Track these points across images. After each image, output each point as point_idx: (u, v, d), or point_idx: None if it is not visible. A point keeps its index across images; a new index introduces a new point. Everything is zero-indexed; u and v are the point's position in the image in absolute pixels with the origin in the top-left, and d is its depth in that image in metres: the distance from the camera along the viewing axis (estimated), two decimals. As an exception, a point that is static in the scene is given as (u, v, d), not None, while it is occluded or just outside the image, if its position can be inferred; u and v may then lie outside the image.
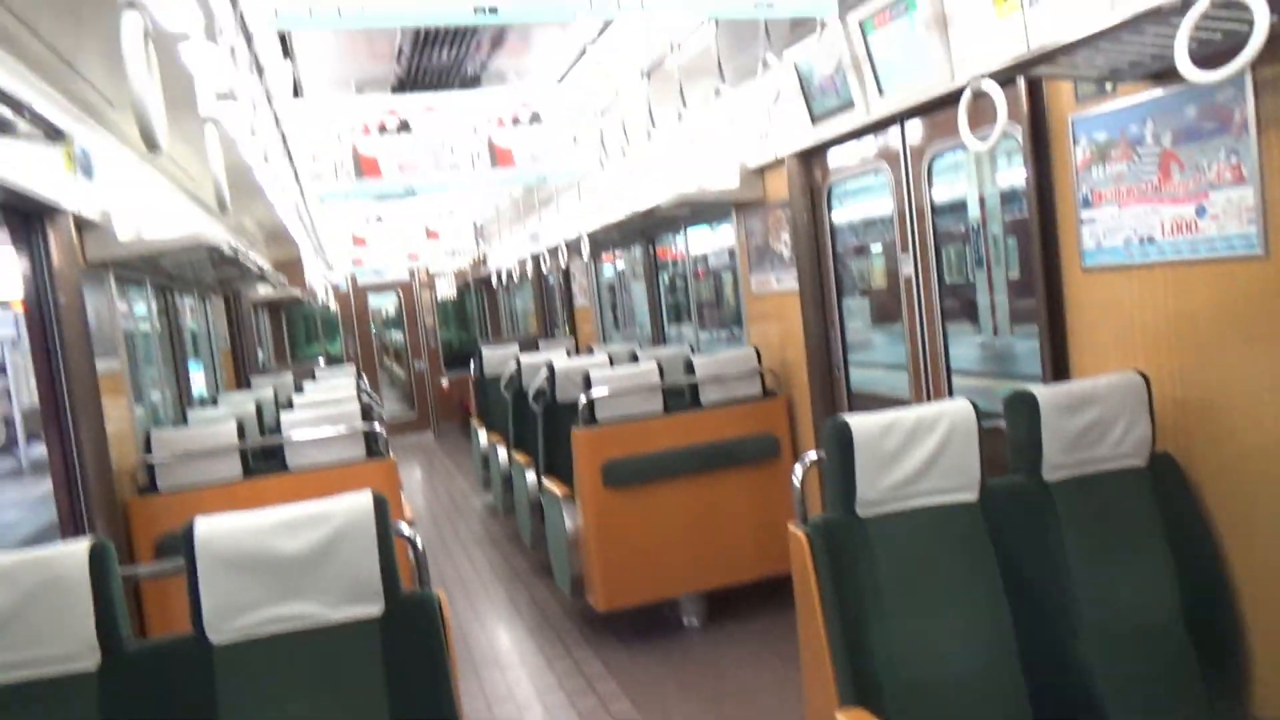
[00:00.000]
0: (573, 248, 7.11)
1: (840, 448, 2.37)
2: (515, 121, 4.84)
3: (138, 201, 5.23)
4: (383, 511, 2.12)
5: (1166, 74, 2.44)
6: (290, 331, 14.42)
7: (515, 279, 10.43)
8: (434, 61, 4.67)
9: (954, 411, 2.45)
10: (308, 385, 7.04)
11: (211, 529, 2.04)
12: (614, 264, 9.01)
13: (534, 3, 2.18)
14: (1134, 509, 2.50)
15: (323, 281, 10.99)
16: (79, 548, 1.98)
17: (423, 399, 14.39)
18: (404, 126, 4.71)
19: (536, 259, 8.37)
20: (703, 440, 4.81)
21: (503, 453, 7.19)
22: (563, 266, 8.52)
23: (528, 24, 4.26)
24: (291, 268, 11.24)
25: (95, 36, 3.28)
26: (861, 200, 4.86)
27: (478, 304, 15.38)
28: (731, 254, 6.07)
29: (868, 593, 2.34)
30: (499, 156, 4.83)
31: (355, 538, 2.09)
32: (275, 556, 2.05)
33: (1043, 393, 2.50)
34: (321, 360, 12.53)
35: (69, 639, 1.94)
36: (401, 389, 15.33)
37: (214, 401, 6.59)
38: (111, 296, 4.72)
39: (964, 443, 2.43)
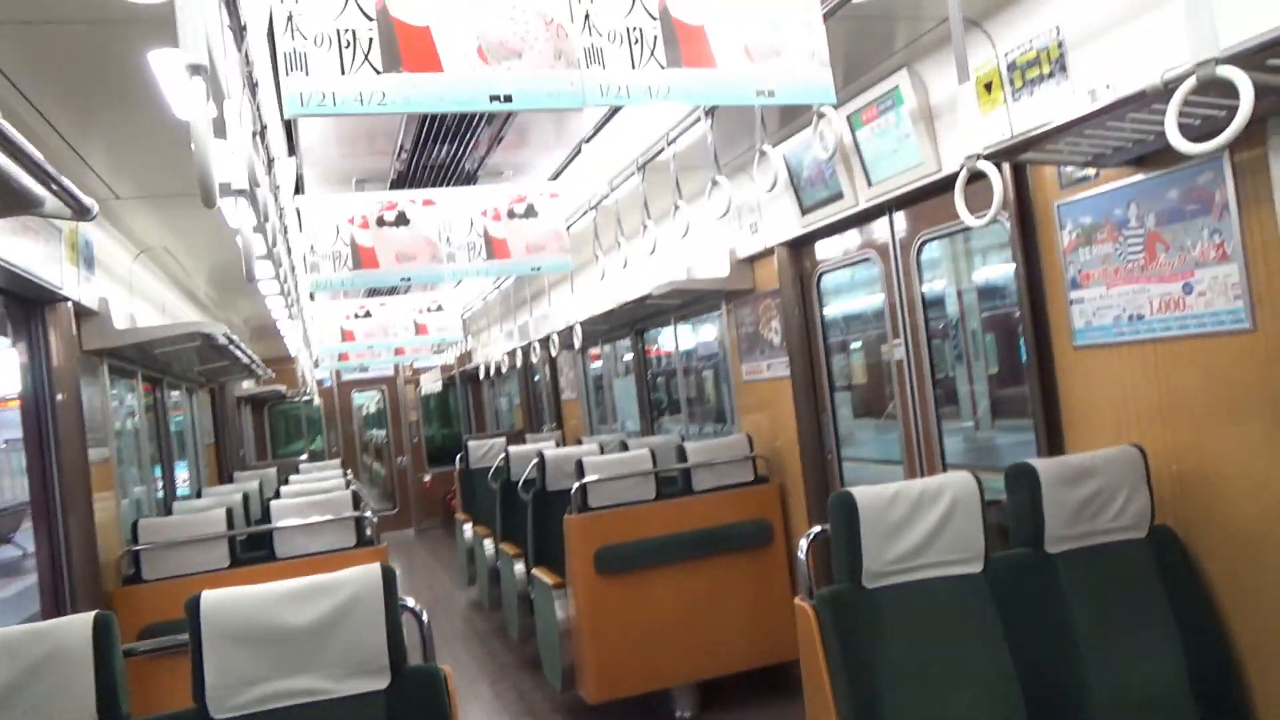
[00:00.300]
0: (563, 340, 7.18)
1: (846, 518, 2.40)
2: (511, 215, 4.96)
3: (133, 292, 5.28)
4: (391, 584, 2.12)
5: (1148, 158, 2.57)
6: (272, 428, 14.32)
7: (503, 372, 10.48)
8: (433, 159, 4.79)
9: (956, 483, 2.48)
10: (294, 479, 7.00)
11: (218, 600, 2.02)
12: (600, 361, 9.10)
13: (545, 92, 2.28)
14: (1137, 581, 2.52)
15: (309, 377, 11.03)
16: (83, 620, 1.96)
17: (404, 496, 14.24)
18: (402, 219, 4.82)
19: (526, 350, 8.45)
20: (696, 526, 4.79)
21: (489, 545, 7.11)
22: (553, 355, 8.60)
23: (525, 123, 4.41)
24: (276, 365, 11.25)
25: (103, 127, 3.37)
26: (842, 299, 4.97)
27: (463, 398, 15.38)
28: (721, 344, 6.16)
29: (877, 665, 2.32)
30: (495, 248, 4.92)
31: (363, 609, 2.08)
32: (282, 628, 2.03)
33: (1042, 465, 2.54)
34: (305, 457, 12.46)
35: (70, 713, 1.90)
36: (382, 486, 15.18)
37: (198, 495, 6.51)
38: (105, 385, 4.72)
39: (967, 514, 2.46)
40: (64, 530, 3.92)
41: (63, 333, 3.97)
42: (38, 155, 1.70)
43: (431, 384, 14.53)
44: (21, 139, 1.61)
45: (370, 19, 2.12)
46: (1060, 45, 2.77)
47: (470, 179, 5.08)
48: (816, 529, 2.58)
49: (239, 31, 2.34)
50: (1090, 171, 2.80)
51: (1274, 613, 2.39)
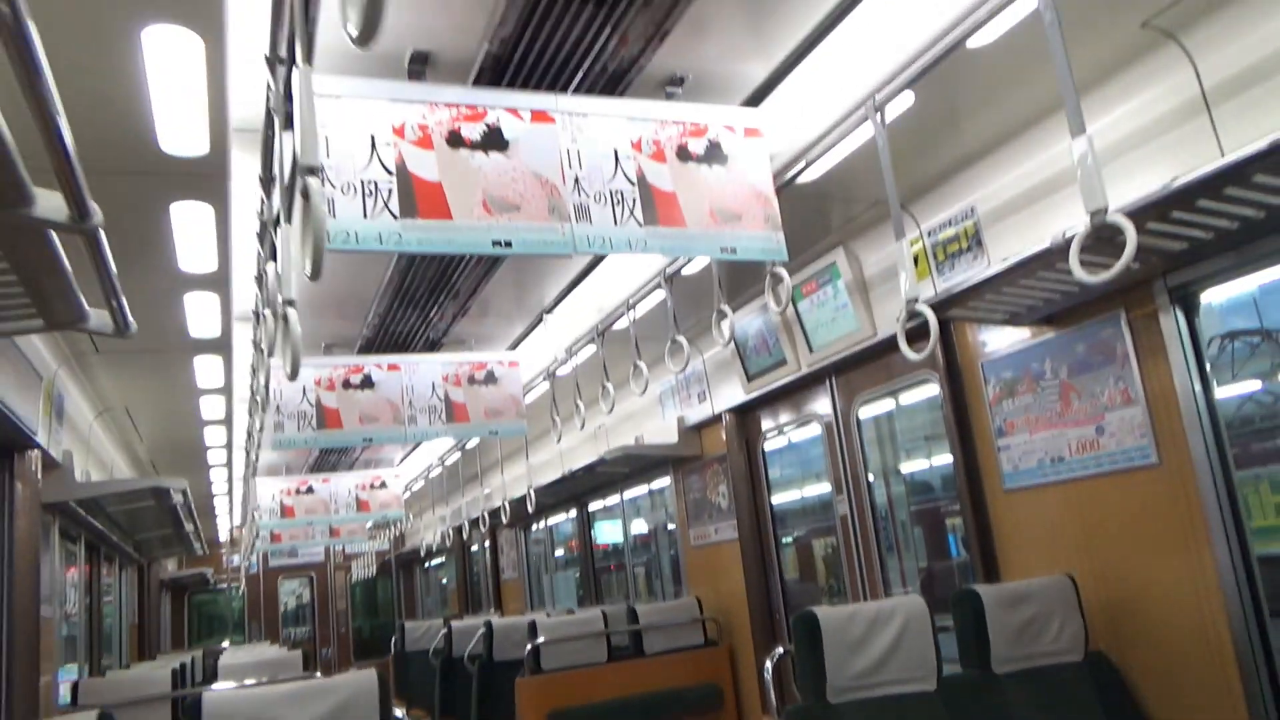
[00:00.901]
0: (514, 509, 7.24)
1: (809, 635, 2.56)
2: (471, 381, 5.20)
3: (89, 451, 5.31)
4: (385, 690, 2.21)
5: (1057, 317, 2.96)
6: (190, 617, 13.73)
7: (441, 552, 10.39)
8: (400, 327, 5.07)
9: (908, 605, 2.68)
10: (227, 654, 6.79)
11: (220, 701, 2.09)
12: (542, 546, 9.17)
13: (540, 240, 2.59)
14: (1077, 701, 2.70)
15: (245, 549, 10.82)
16: (87, 717, 2.01)
17: (327, 691, 13.58)
18: (367, 382, 5.02)
19: (473, 524, 8.47)
20: (647, 689, 4.80)
21: (426, 727, 6.90)
22: (503, 522, 8.61)
23: (488, 297, 4.73)
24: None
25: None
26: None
27: (396, 583, 15.00)
28: (668, 511, 6.33)
29: (844, 780, 2.43)
30: (455, 411, 5.13)
31: (357, 713, 2.15)
32: (279, 730, 2.09)
33: (984, 590, 2.76)
34: (225, 644, 11.95)
35: None
36: (303, 682, 14.47)
37: (125, 668, 6.28)
38: (55, 543, 4.69)
39: (919, 633, 2.64)
40: (7, 688, 3.81)
41: (28, 481, 4.01)
42: (113, 269, 1.90)
43: (364, 569, 14.20)
44: (110, 257, 1.81)
45: (391, 174, 2.44)
46: (976, 225, 3.21)
47: (434, 346, 5.34)
48: (779, 650, 2.73)
49: (268, 183, 2.63)
50: (1008, 331, 3.19)
51: (1202, 727, 2.59)
